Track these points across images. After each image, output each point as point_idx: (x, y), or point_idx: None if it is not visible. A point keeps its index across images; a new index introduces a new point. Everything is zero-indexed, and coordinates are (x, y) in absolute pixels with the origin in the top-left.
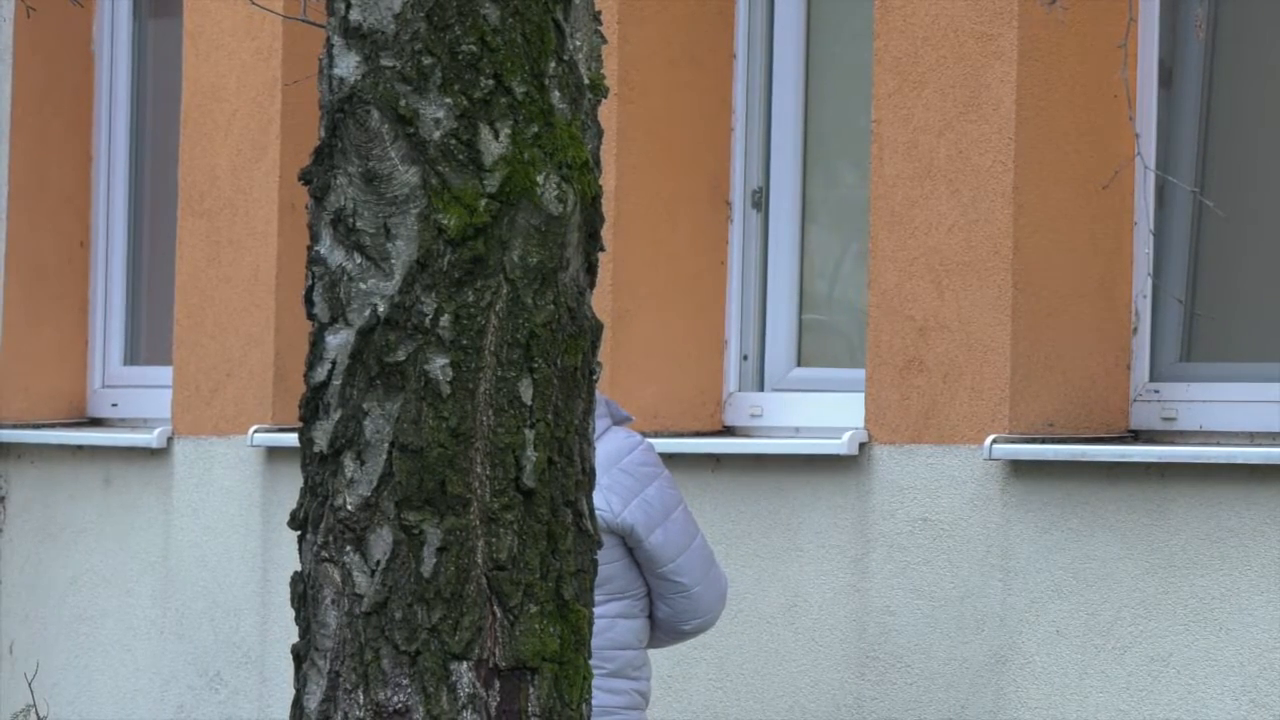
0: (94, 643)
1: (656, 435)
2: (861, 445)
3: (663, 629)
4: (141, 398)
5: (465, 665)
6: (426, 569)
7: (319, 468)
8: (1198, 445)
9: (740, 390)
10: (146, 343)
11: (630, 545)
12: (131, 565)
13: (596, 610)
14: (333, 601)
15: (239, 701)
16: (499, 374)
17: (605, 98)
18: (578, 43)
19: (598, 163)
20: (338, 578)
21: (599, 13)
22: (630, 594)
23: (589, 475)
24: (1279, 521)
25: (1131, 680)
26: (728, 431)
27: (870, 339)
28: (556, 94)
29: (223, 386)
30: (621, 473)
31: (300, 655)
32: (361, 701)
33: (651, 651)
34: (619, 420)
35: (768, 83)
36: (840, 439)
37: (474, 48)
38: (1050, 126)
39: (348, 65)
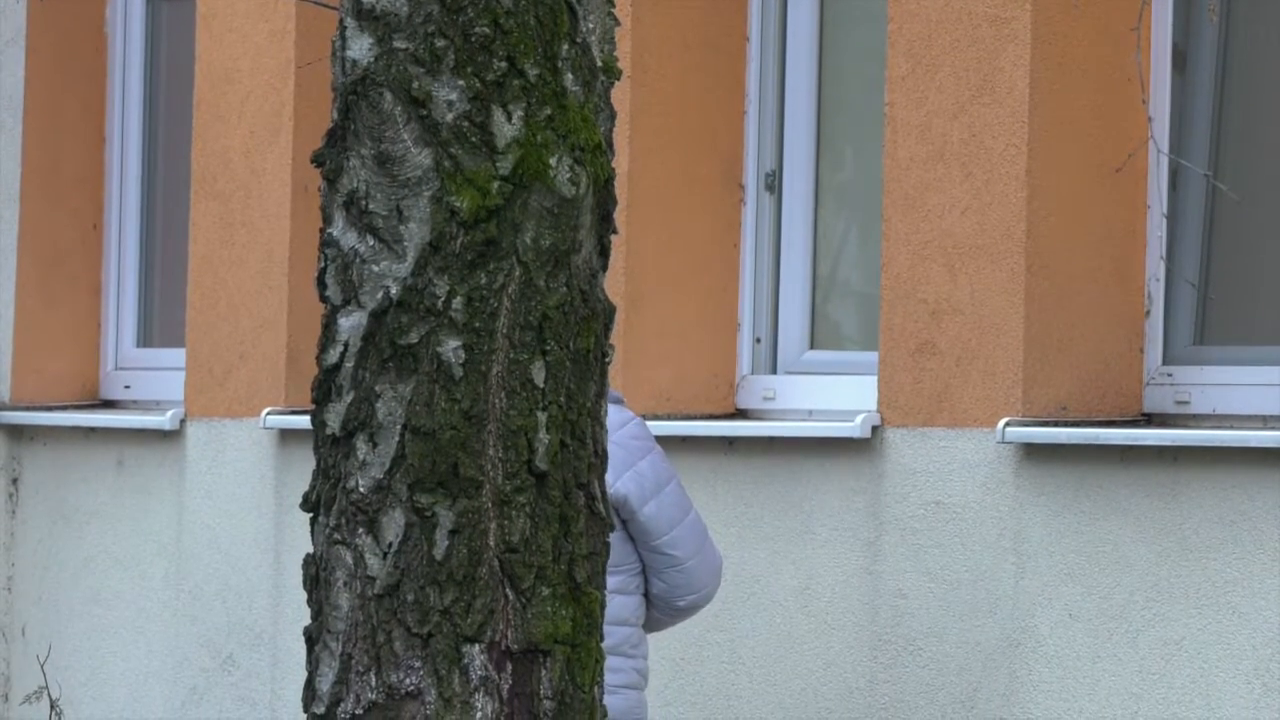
0: (106, 625)
1: (669, 418)
2: (874, 428)
3: (658, 606)
4: (154, 380)
5: (477, 648)
6: (439, 551)
7: (331, 450)
8: (1211, 429)
9: (753, 373)
10: (159, 325)
11: (624, 518)
12: (144, 547)
13: None
14: (345, 584)
15: (251, 683)
16: (511, 356)
17: (618, 80)
18: (591, 25)
19: (610, 145)
20: (350, 560)
21: None
22: (625, 568)
23: (601, 458)
24: None
25: (1144, 663)
26: (740, 414)
27: (883, 322)
28: (569, 76)
29: (235, 369)
30: (615, 446)
31: (312, 637)
32: (374, 684)
33: (663, 634)
34: (611, 400)
35: (781, 66)
36: (853, 422)
37: (487, 30)
38: (1064, 110)
39: (361, 47)
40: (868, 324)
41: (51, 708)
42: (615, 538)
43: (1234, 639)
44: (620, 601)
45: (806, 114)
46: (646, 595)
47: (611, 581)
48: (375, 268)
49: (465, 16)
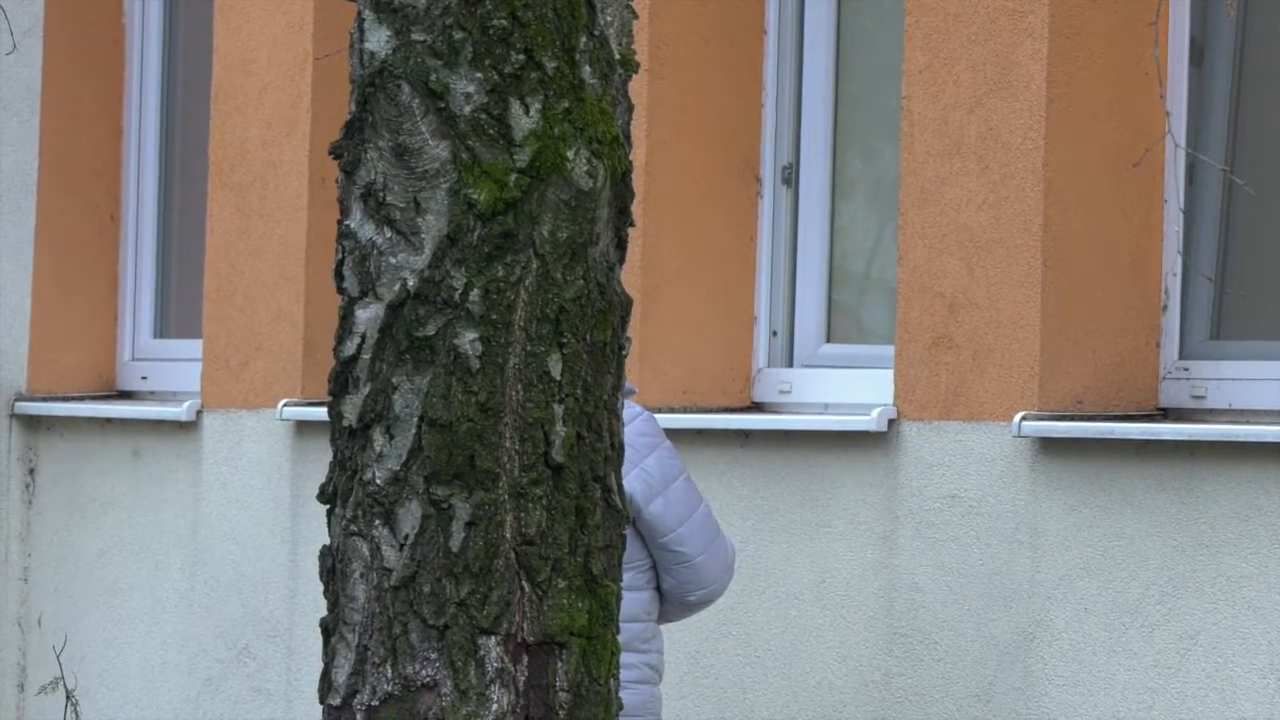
0: (122, 615)
1: (685, 411)
2: (890, 422)
3: (670, 601)
4: (171, 371)
5: (493, 640)
6: (455, 543)
7: (348, 442)
8: (1227, 423)
9: (769, 366)
10: (176, 316)
11: (630, 515)
12: (160, 538)
13: None
14: (361, 575)
15: (267, 674)
16: (528, 349)
17: (636, 73)
18: (609, 18)
19: (628, 138)
20: (366, 552)
21: None
22: (635, 565)
23: (618, 451)
24: None
25: (1159, 658)
26: (757, 408)
27: (900, 315)
28: (587, 69)
29: (252, 360)
30: None
31: (328, 629)
32: (389, 675)
33: (679, 627)
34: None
35: (798, 59)
36: (869, 415)
37: (505, 22)
38: (1081, 104)
39: (379, 39)
40: (884, 317)
41: (67, 698)
42: (625, 536)
43: (1250, 634)
44: (631, 598)
45: (824, 107)
46: (659, 590)
47: (623, 578)
48: (392, 260)
49: (483, 9)
